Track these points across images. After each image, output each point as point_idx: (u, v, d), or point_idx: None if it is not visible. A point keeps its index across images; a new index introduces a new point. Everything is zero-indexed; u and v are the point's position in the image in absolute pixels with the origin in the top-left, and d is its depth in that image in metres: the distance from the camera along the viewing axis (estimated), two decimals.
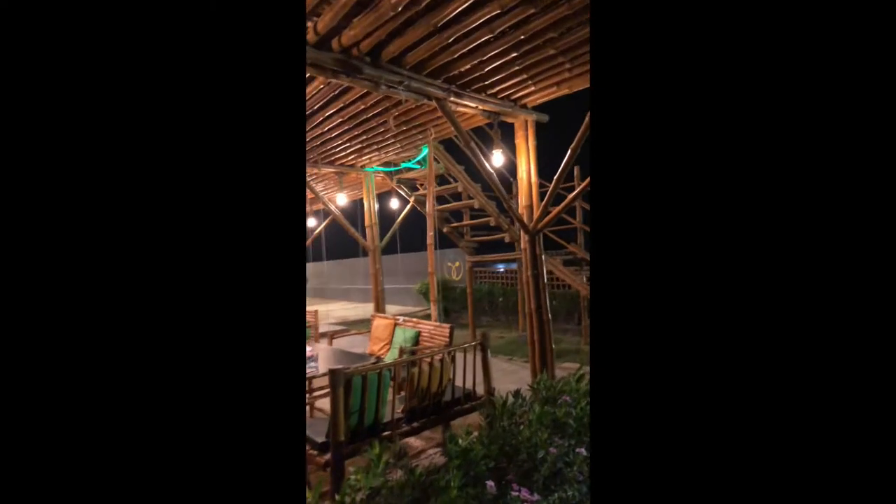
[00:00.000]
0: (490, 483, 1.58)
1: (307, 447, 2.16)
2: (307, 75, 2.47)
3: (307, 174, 5.08)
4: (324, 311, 11.11)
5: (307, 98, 2.94)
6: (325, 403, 3.79)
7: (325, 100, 3.05)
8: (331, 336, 3.99)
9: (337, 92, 2.93)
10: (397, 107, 3.28)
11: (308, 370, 2.83)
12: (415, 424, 2.41)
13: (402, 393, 2.55)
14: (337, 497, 1.50)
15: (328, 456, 2.02)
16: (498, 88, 3.16)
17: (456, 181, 4.98)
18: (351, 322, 8.66)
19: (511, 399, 2.47)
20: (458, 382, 2.74)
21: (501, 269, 8.63)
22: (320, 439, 2.12)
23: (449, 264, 10.30)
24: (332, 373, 2.00)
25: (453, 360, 2.69)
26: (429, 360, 2.48)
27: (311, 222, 8.65)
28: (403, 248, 9.90)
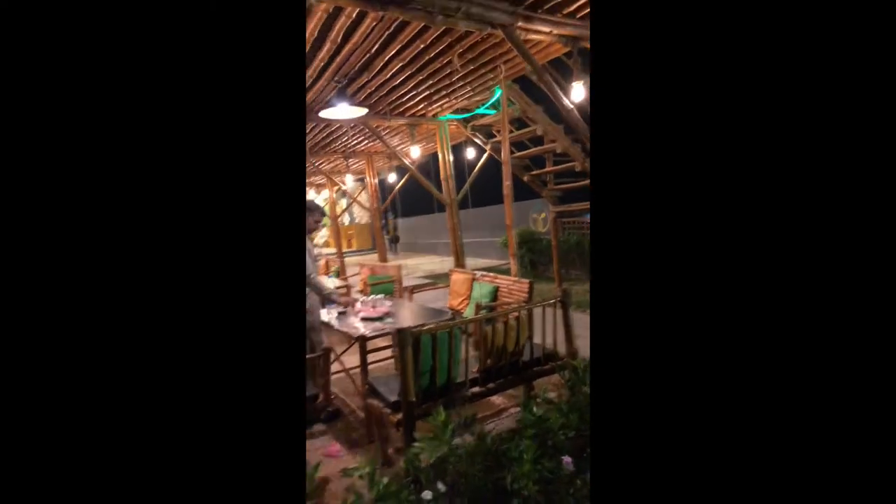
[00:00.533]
0: (567, 459, 1.40)
1: (381, 404, 2.15)
2: (355, 10, 2.27)
3: (378, 127, 4.99)
4: (412, 265, 11.41)
5: (361, 40, 2.75)
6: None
7: (380, 40, 2.84)
8: (410, 291, 3.99)
9: (392, 30, 2.70)
10: (461, 42, 2.97)
11: (384, 326, 2.82)
12: (490, 385, 2.29)
13: (478, 352, 2.43)
14: (402, 463, 1.43)
15: (400, 415, 1.99)
16: (576, 5, 2.68)
17: (534, 124, 4.55)
18: (437, 276, 8.77)
19: None
20: (538, 340, 2.54)
21: (589, 218, 8.14)
22: (393, 398, 2.09)
23: (534, 215, 9.85)
24: (399, 332, 1.92)
25: (531, 317, 2.49)
26: (504, 317, 2.31)
27: (392, 177, 8.75)
28: (485, 201, 9.61)
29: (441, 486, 1.21)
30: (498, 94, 4.00)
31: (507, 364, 2.37)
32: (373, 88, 3.73)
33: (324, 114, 3.35)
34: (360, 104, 3.80)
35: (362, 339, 2.58)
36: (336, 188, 9.46)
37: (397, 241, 15.80)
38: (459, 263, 4.85)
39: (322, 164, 7.82)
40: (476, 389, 2.23)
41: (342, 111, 3.32)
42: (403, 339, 1.93)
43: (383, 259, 7.61)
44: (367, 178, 7.78)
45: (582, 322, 3.02)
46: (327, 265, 6.55)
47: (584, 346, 3.07)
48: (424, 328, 2.02)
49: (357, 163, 8.08)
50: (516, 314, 2.37)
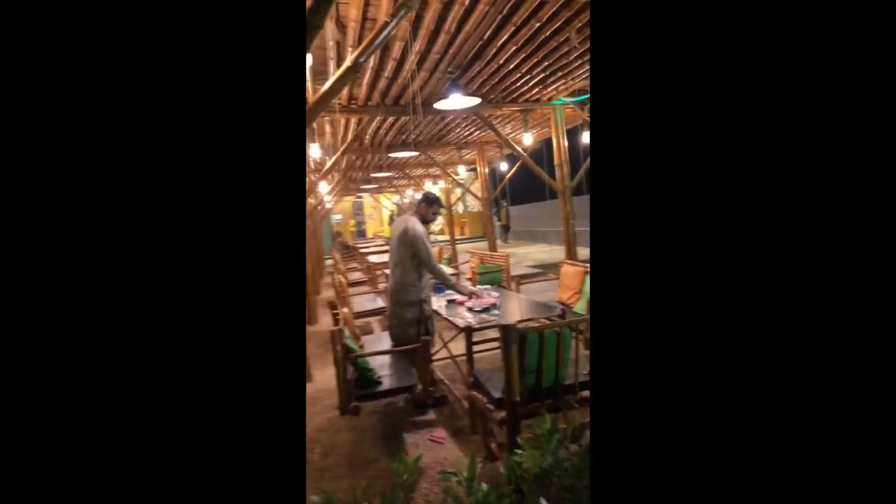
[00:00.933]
0: None
1: (484, 399, 2.12)
2: None
3: (490, 116, 4.91)
4: (522, 254, 11.24)
5: (474, 28, 2.68)
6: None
7: (493, 24, 2.74)
8: (517, 281, 3.88)
9: (505, 12, 2.58)
10: (579, 16, 2.73)
11: (490, 318, 2.78)
12: None
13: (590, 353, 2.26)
14: (502, 470, 1.38)
15: (503, 413, 1.94)
16: None
17: None
18: (546, 265, 8.50)
19: None
20: None
21: None
22: (497, 394, 2.04)
23: None
24: (505, 329, 1.86)
25: None
26: None
27: (503, 166, 8.64)
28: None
29: (544, 503, 1.13)
30: None
31: None
32: (485, 77, 3.66)
33: (438, 105, 3.38)
34: (472, 94, 3.76)
35: (468, 331, 2.57)
36: (450, 179, 9.68)
37: (508, 229, 15.28)
38: (571, 254, 4.60)
39: (438, 155, 8.01)
40: (586, 394, 2.08)
41: (456, 102, 3.32)
42: (509, 337, 1.86)
43: (493, 248, 7.59)
44: (479, 168, 7.79)
45: None
46: (440, 252, 6.74)
47: None
48: (531, 326, 1.92)
49: (469, 153, 8.13)
50: None
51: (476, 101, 3.29)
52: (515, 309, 3.01)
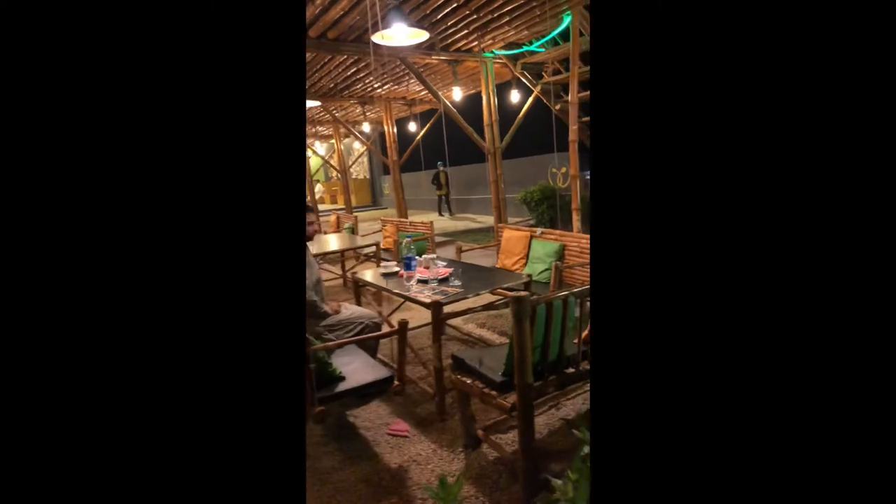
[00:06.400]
0: None
1: (480, 384, 1.81)
2: None
3: (418, 65, 4.41)
4: (427, 221, 10.96)
5: None
6: (475, 330, 3.52)
7: None
8: (459, 248, 3.59)
9: None
10: None
11: (454, 289, 2.44)
12: None
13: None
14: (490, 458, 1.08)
15: (512, 398, 1.65)
16: None
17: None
18: (454, 233, 8.37)
19: None
20: None
21: None
22: (498, 378, 1.74)
23: (553, 170, 9.40)
24: (518, 302, 1.54)
25: None
26: None
27: (411, 127, 8.14)
28: (507, 153, 9.09)
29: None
30: (567, 21, 3.45)
31: None
32: (417, 18, 3.16)
33: (376, 38, 2.79)
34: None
35: (436, 307, 2.21)
36: (343, 137, 8.83)
37: (448, 198, 12.09)
38: (502, 219, 4.44)
39: (335, 110, 7.18)
40: (587, 365, 1.89)
41: (398, 34, 2.78)
42: (522, 310, 1.55)
43: (403, 215, 7.16)
44: (386, 127, 7.18)
45: None
46: (338, 221, 6.10)
47: None
48: (541, 297, 1.64)
49: (373, 110, 7.45)
50: None
51: (423, 35, 2.78)
52: (476, 278, 2.71)
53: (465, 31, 3.64)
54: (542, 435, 2.08)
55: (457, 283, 2.56)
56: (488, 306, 2.78)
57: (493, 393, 1.73)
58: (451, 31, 3.58)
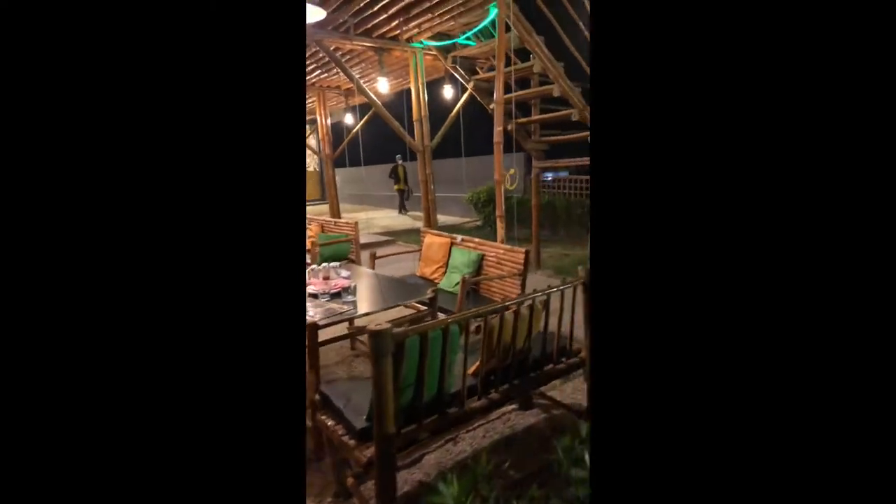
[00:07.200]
0: None
1: (344, 435, 1.50)
2: None
3: (336, 50, 4.02)
4: (365, 220, 10.51)
5: None
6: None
7: None
8: (373, 255, 3.26)
9: None
10: None
11: (344, 307, 2.12)
12: (493, 395, 1.69)
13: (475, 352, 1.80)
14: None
15: (371, 452, 1.35)
16: None
17: (530, 59, 3.78)
18: (396, 232, 8.02)
19: None
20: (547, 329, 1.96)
21: (549, 178, 7.85)
22: (360, 424, 1.44)
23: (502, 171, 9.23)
24: (376, 338, 1.24)
25: (546, 304, 1.89)
26: (514, 307, 1.69)
27: (348, 119, 7.67)
28: (450, 151, 8.81)
29: None
30: (493, 14, 3.19)
31: (513, 364, 1.77)
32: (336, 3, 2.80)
33: None
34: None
35: (313, 329, 1.88)
36: None
37: (408, 195, 10.94)
38: (430, 222, 4.15)
39: None
40: (477, 403, 1.62)
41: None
42: (382, 346, 1.25)
43: (335, 213, 6.73)
44: (319, 119, 6.71)
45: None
46: None
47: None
48: (412, 328, 1.34)
49: (308, 99, 6.96)
50: (529, 302, 1.75)
51: (320, 13, 2.41)
52: (375, 293, 2.40)
53: (385, 16, 3.31)
54: (431, 478, 1.80)
55: (350, 298, 2.24)
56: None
57: (351, 443, 1.42)
58: (367, 13, 3.24)
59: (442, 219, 9.94)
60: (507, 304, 1.67)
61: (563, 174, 8.09)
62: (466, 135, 5.59)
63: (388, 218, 10.64)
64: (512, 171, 9.32)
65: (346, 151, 7.46)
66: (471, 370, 1.71)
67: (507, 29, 3.32)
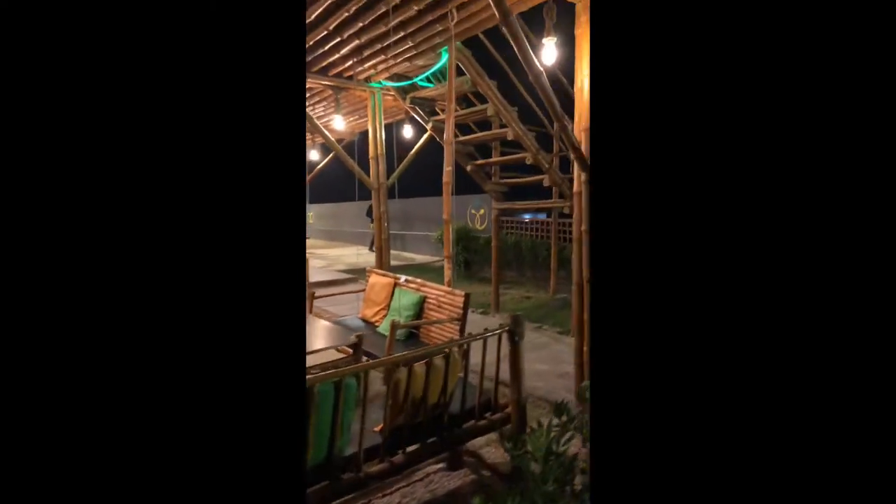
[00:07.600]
0: None
1: None
2: None
3: None
4: (334, 256, 10.34)
5: None
6: None
7: None
8: (311, 296, 3.10)
9: None
10: None
11: None
12: (398, 457, 1.53)
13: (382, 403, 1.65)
14: None
15: None
16: None
17: (483, 103, 3.84)
18: (359, 270, 7.87)
19: (554, 421, 1.56)
20: (468, 381, 1.83)
21: (527, 219, 7.92)
22: None
23: (472, 211, 9.29)
24: None
25: (466, 354, 1.78)
26: (427, 358, 1.57)
27: (314, 156, 7.65)
28: (422, 190, 8.81)
29: None
30: (445, 58, 3.24)
31: (426, 420, 1.62)
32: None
33: None
34: None
35: None
36: None
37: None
38: (382, 261, 4.04)
39: None
40: (377, 467, 1.46)
41: None
42: None
43: None
44: None
45: (528, 343, 2.36)
46: None
47: (529, 373, 2.41)
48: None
49: None
50: (446, 352, 1.63)
51: None
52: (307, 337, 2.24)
53: (338, 56, 3.33)
54: None
55: None
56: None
57: None
58: (319, 52, 3.24)
59: (411, 256, 9.91)
60: (415, 352, 1.55)
61: (542, 216, 8.17)
62: (435, 174, 5.61)
63: (357, 255, 10.51)
64: (482, 210, 9.38)
65: (311, 188, 7.39)
66: (377, 428, 1.56)
67: (461, 72, 3.36)
